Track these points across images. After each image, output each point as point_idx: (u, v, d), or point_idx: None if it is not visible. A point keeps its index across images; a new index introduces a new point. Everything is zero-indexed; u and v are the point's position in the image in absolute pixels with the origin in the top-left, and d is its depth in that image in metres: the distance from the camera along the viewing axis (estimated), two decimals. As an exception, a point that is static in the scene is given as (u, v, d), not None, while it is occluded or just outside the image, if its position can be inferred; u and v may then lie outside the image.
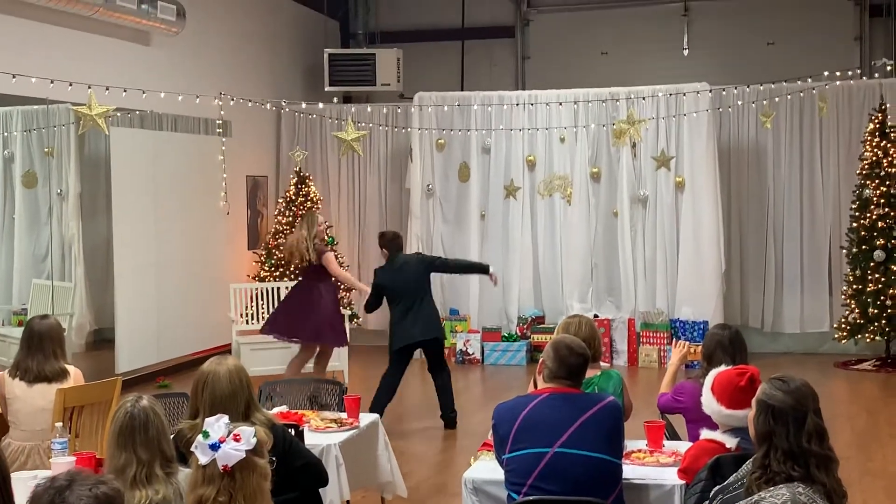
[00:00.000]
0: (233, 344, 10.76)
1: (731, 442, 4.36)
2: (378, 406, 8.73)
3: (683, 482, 4.44)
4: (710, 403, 4.45)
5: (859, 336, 11.33)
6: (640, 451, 4.95)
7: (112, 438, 3.64)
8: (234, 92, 11.41)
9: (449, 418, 9.13)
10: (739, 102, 11.96)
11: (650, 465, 4.77)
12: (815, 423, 3.40)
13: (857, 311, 11.28)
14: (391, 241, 9.34)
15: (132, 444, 3.58)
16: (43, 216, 10.73)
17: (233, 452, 3.15)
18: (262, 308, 11.16)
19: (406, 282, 9.05)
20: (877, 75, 11.91)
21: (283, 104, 12.67)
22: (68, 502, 2.63)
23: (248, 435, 3.18)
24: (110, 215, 10.54)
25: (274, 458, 3.46)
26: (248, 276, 12.45)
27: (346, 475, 5.32)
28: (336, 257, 10.06)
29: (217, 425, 3.20)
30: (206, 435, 3.18)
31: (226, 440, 3.17)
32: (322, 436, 5.43)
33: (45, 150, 10.60)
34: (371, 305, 9.38)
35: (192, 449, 3.21)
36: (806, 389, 3.48)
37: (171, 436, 3.95)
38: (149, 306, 10.94)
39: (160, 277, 11.08)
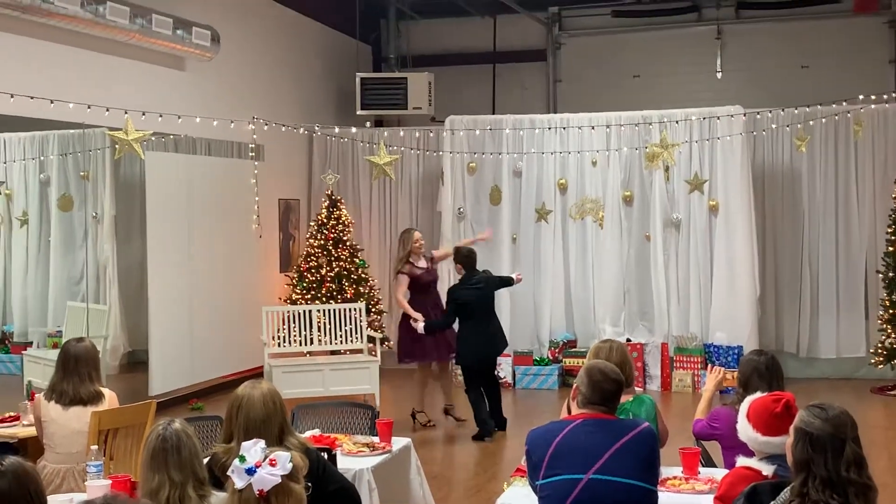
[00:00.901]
0: (265, 367, 10.79)
1: (767, 469, 4.31)
2: (484, 424, 9.29)
3: (720, 510, 4.40)
4: (745, 430, 4.40)
5: (895, 361, 11.21)
6: (675, 478, 4.91)
7: (145, 461, 3.66)
8: (267, 116, 11.50)
9: (502, 423, 9.54)
10: (773, 126, 11.90)
11: (686, 492, 4.73)
12: (853, 451, 3.36)
13: (893, 335, 11.16)
14: (466, 258, 9.58)
15: (165, 465, 3.59)
16: (78, 239, 10.83)
17: (269, 477, 3.16)
18: (294, 331, 11.19)
19: (484, 298, 9.46)
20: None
21: (316, 128, 12.75)
22: None
23: (285, 460, 3.19)
24: (145, 238, 10.62)
25: (309, 484, 3.45)
26: (280, 298, 12.49)
27: (379, 500, 5.31)
28: (411, 279, 10.00)
29: (254, 450, 3.21)
30: (242, 459, 3.19)
31: (262, 465, 3.17)
32: (355, 460, 5.43)
33: (81, 173, 10.72)
34: (445, 325, 9.65)
35: (229, 473, 3.22)
36: (845, 417, 3.44)
37: (206, 459, 3.96)
38: (182, 328, 11.01)
39: (193, 300, 11.14)
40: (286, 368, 10.70)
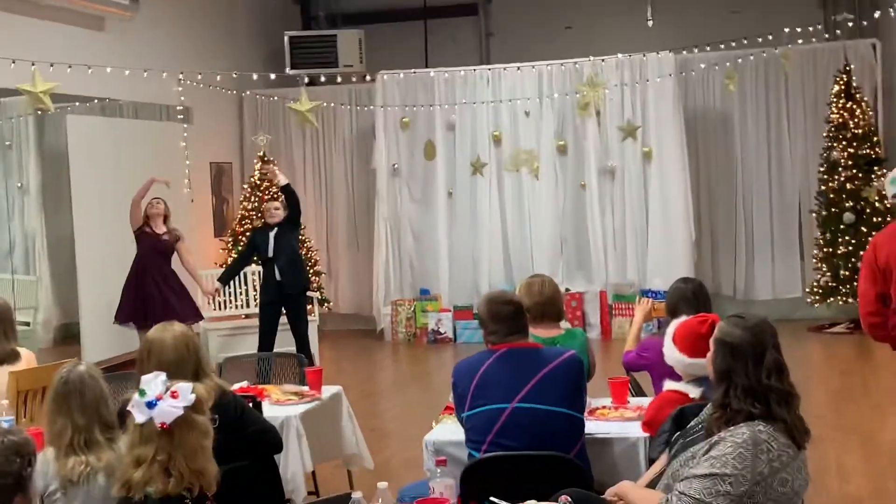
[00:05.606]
0: (200, 331, 10.61)
1: (695, 392, 4.28)
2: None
3: (647, 435, 4.36)
4: (672, 353, 4.37)
5: (831, 299, 11.29)
6: (604, 407, 4.87)
7: (48, 405, 3.54)
8: (194, 77, 11.23)
9: None
10: (703, 65, 11.88)
11: (614, 420, 4.69)
12: (774, 358, 3.31)
13: (828, 274, 11.24)
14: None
15: (68, 408, 3.47)
16: (4, 210, 10.54)
17: (170, 409, 3.03)
18: (230, 294, 11.05)
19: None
20: (838, 32, 11.84)
21: (245, 91, 12.51)
22: None
23: (186, 391, 3.07)
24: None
25: (216, 416, 3.34)
26: (216, 263, 12.28)
27: (309, 447, 5.21)
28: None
29: (154, 383, 3.07)
30: (142, 393, 3.06)
31: (163, 397, 3.04)
32: (282, 408, 5.31)
33: (6, 143, 10.41)
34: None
35: (129, 408, 3.09)
36: (764, 325, 3.40)
37: (118, 407, 3.82)
38: (113, 298, 10.71)
39: (124, 268, 10.86)
40: (221, 332, 10.55)
